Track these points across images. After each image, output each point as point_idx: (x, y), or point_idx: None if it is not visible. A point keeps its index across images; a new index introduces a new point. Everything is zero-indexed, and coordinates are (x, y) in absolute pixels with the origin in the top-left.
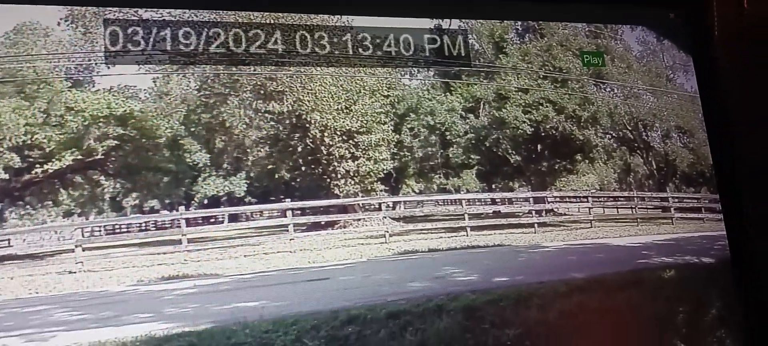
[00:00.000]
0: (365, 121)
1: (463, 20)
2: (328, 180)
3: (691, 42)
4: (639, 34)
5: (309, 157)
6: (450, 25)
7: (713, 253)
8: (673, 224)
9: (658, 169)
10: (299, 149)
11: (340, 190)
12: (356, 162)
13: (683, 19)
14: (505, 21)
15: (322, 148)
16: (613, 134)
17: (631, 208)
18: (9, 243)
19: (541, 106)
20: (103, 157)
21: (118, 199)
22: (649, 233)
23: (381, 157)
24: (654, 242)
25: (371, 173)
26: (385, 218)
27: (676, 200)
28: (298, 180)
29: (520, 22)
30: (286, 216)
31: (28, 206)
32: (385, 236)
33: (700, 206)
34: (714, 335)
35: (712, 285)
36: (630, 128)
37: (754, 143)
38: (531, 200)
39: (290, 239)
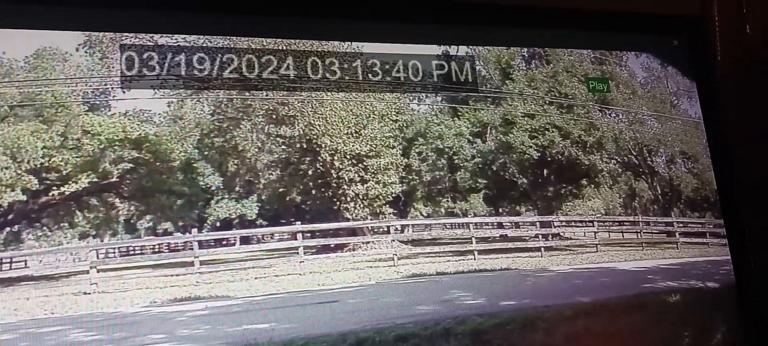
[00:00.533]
0: (374, 146)
1: (471, 47)
2: (338, 203)
3: (694, 68)
4: (643, 60)
5: (319, 181)
6: (457, 52)
7: (718, 278)
8: (678, 248)
9: (663, 194)
10: (309, 173)
11: (350, 213)
12: (365, 185)
13: (686, 46)
14: (511, 48)
15: (332, 171)
16: (618, 159)
17: (636, 232)
18: (25, 264)
19: (547, 132)
20: (118, 180)
21: (132, 221)
22: (654, 258)
23: (390, 181)
24: (659, 266)
25: (380, 197)
26: (394, 241)
27: (681, 225)
28: (309, 203)
29: (526, 49)
30: (296, 239)
31: (44, 228)
32: (393, 259)
33: (705, 230)
34: None
35: (717, 309)
36: (635, 153)
37: (756, 168)
38: (537, 224)
39: (300, 262)
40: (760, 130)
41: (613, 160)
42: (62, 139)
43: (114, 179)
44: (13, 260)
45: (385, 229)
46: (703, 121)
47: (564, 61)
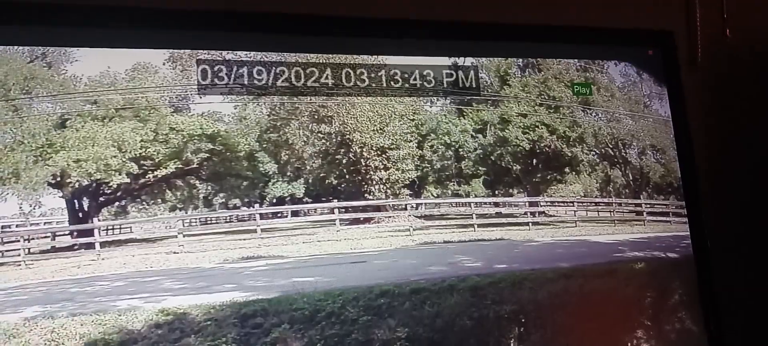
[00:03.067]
0: (395, 140)
1: (475, 58)
2: (366, 186)
3: (665, 74)
4: (622, 68)
5: (351, 168)
6: (464, 63)
7: (678, 250)
8: (645, 225)
9: (634, 180)
10: (344, 162)
11: (375, 193)
12: (387, 172)
13: (659, 55)
14: (509, 58)
15: (362, 160)
16: (597, 152)
17: (610, 211)
18: (130, 230)
19: (537, 128)
20: (197, 166)
21: (209, 198)
22: (624, 232)
23: (407, 169)
24: (628, 239)
25: (399, 181)
26: (410, 216)
27: (648, 206)
28: (343, 185)
29: (521, 60)
30: (333, 213)
31: (143, 203)
32: (409, 230)
33: (669, 210)
34: (676, 315)
35: (676, 276)
36: (611, 146)
37: (714, 160)
38: (527, 203)
39: (337, 231)
40: (721, 127)
41: (592, 152)
42: (155, 134)
43: (194, 166)
44: (122, 226)
45: (403, 206)
46: (671, 119)
47: (553, 69)
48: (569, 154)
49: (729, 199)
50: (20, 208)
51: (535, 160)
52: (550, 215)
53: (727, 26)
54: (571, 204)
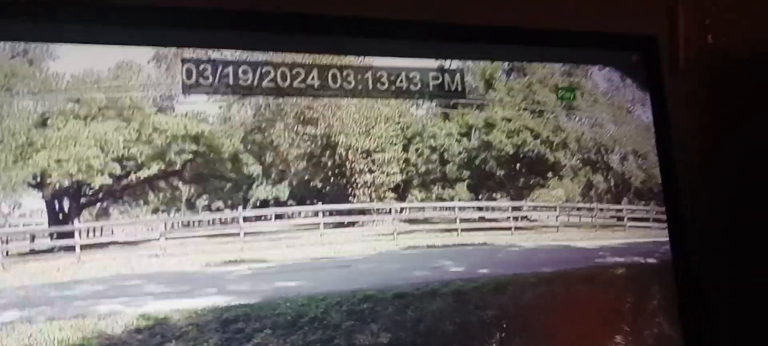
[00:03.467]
0: (380, 143)
1: (461, 61)
2: (351, 189)
3: (648, 80)
4: (606, 73)
5: (336, 170)
6: (450, 66)
7: (657, 255)
8: (626, 230)
9: (616, 185)
10: (329, 164)
11: (360, 197)
12: (372, 175)
13: (643, 61)
14: (494, 62)
15: (347, 163)
16: (580, 156)
17: (592, 217)
18: (112, 232)
19: (521, 132)
20: (180, 167)
21: (192, 200)
22: (606, 238)
23: (392, 172)
24: (609, 245)
25: (384, 184)
26: (394, 219)
27: (629, 211)
28: (328, 188)
29: (507, 63)
30: (318, 216)
31: (126, 204)
32: (393, 234)
33: (649, 216)
34: (654, 320)
35: (655, 281)
36: (594, 152)
37: (695, 166)
38: (510, 208)
39: (321, 235)
40: (703, 135)
41: (575, 157)
42: (138, 134)
43: (178, 167)
44: (104, 228)
45: (388, 210)
46: (654, 125)
47: (538, 73)
48: (552, 159)
49: (709, 204)
50: None
51: (518, 165)
52: (533, 220)
53: (709, 32)
54: (554, 209)
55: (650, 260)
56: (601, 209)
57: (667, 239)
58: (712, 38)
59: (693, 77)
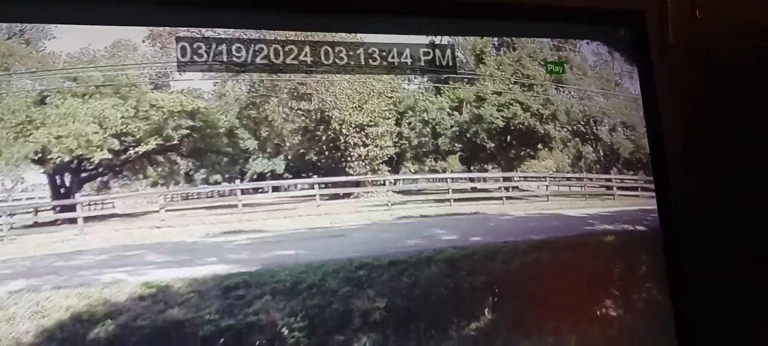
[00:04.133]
0: (373, 117)
1: (452, 37)
2: (345, 162)
3: (635, 53)
4: (594, 47)
5: (330, 144)
6: (441, 41)
7: (646, 223)
8: (615, 199)
9: (605, 156)
10: (323, 138)
11: (354, 170)
12: (366, 148)
13: (630, 35)
14: (484, 37)
15: (341, 137)
16: (569, 128)
17: (581, 186)
18: (113, 205)
19: (511, 106)
20: (178, 142)
21: (190, 173)
22: (595, 207)
23: (385, 145)
24: (598, 213)
25: (377, 157)
26: (388, 191)
27: (618, 181)
28: (323, 161)
29: (496, 38)
30: (313, 188)
31: (125, 178)
32: (387, 205)
33: (637, 185)
34: (643, 286)
35: (643, 248)
36: (583, 123)
37: (682, 137)
38: (501, 179)
39: (317, 206)
40: (689, 105)
41: (564, 129)
42: (135, 111)
43: (175, 142)
44: (105, 202)
45: (382, 182)
46: (642, 97)
47: (527, 48)
48: (542, 131)
49: (696, 175)
50: (2, 184)
51: (509, 137)
52: (524, 190)
53: (697, 7)
54: (544, 179)
55: (639, 228)
56: (591, 179)
57: (655, 207)
58: (700, 13)
59: (681, 51)
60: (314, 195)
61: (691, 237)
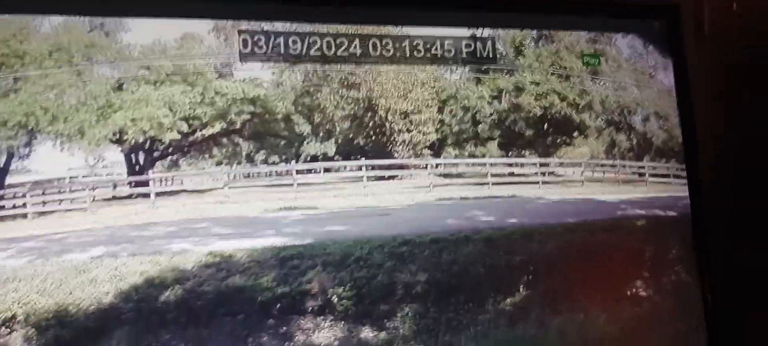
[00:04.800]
0: (417, 105)
1: (492, 30)
2: (390, 146)
3: (670, 46)
4: (629, 40)
5: (377, 130)
6: (482, 34)
7: (676, 209)
8: (647, 185)
9: (638, 144)
10: (370, 124)
11: (399, 153)
12: (410, 134)
13: (665, 28)
14: (523, 30)
15: (387, 124)
16: (604, 118)
17: (615, 173)
18: (182, 182)
19: (548, 96)
20: (240, 126)
21: (251, 155)
22: (627, 192)
23: (428, 131)
24: (630, 198)
25: (421, 142)
26: (430, 174)
27: (651, 168)
28: (370, 145)
29: (535, 31)
30: (361, 170)
31: (193, 158)
32: (430, 187)
33: (669, 173)
34: (672, 269)
35: (674, 232)
36: (617, 113)
37: (713, 128)
38: (538, 164)
39: (364, 186)
40: (721, 98)
41: (599, 118)
42: (202, 97)
43: (237, 126)
44: (174, 179)
45: (424, 165)
46: (675, 89)
47: (565, 41)
48: (578, 120)
49: (728, 164)
50: (86, 160)
51: (546, 125)
52: (559, 175)
53: None
54: (579, 165)
55: (670, 213)
56: (624, 166)
57: (687, 194)
58: (736, 5)
59: (716, 43)
60: (362, 176)
61: (721, 224)
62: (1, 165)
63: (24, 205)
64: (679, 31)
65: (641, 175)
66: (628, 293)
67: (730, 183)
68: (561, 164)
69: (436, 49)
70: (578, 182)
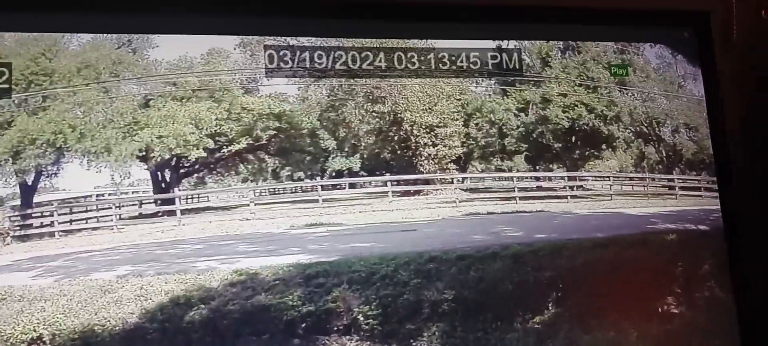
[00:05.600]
0: (443, 118)
1: (518, 41)
2: (416, 161)
3: (700, 55)
4: (657, 50)
5: (402, 144)
6: (508, 45)
7: (708, 222)
8: (677, 199)
9: (667, 157)
10: (396, 138)
11: (424, 168)
12: (436, 148)
13: (694, 36)
14: (550, 41)
15: (412, 137)
16: (632, 129)
17: (644, 186)
18: (208, 199)
19: (576, 107)
20: (266, 142)
21: (277, 170)
22: (657, 206)
23: (454, 145)
24: (660, 212)
25: (446, 156)
26: (456, 189)
27: (681, 181)
28: (395, 160)
29: (562, 43)
30: (387, 186)
31: (219, 174)
32: (456, 202)
33: (700, 186)
34: (705, 285)
35: (706, 247)
36: (646, 125)
37: (745, 139)
38: (566, 178)
39: (390, 202)
40: (751, 108)
41: (628, 130)
42: (228, 113)
43: (263, 142)
44: (200, 196)
45: (450, 180)
46: (705, 99)
47: (592, 51)
48: (606, 132)
49: (760, 175)
50: (112, 178)
51: (573, 138)
52: (588, 189)
53: (763, 7)
54: (607, 179)
55: (701, 227)
56: (653, 179)
57: (718, 206)
58: (766, 13)
59: (746, 52)
60: (387, 192)
61: (755, 238)
62: (30, 183)
63: (51, 223)
64: (709, 39)
65: (671, 188)
66: (660, 309)
67: (764, 195)
68: (589, 178)
69: (461, 61)
70: (607, 196)
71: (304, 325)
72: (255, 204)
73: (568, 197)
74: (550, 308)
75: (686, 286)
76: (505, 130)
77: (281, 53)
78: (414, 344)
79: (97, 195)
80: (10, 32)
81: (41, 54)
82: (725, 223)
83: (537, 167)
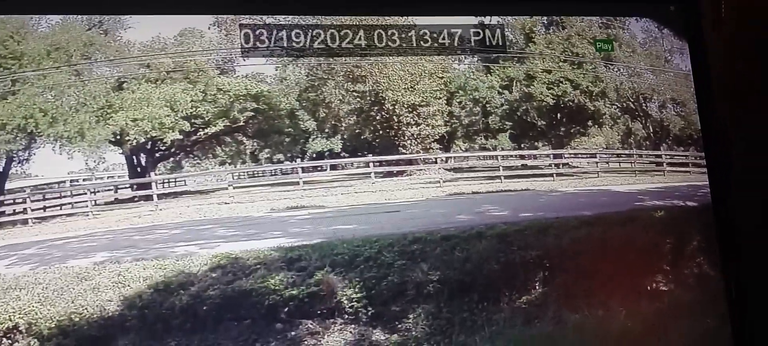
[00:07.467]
0: (425, 97)
1: (501, 17)
2: (398, 141)
3: (686, 29)
4: (643, 24)
5: (384, 124)
6: (490, 21)
7: (696, 198)
8: (665, 175)
9: (655, 132)
10: (377, 118)
11: (407, 148)
12: (418, 127)
13: (681, 11)
14: (533, 16)
15: (394, 117)
16: (619, 105)
17: (631, 162)
18: (185, 183)
19: (561, 84)
20: (244, 124)
21: (255, 153)
22: (645, 182)
23: (437, 124)
24: (648, 189)
25: (429, 136)
26: (440, 168)
27: (668, 157)
28: (377, 140)
29: (546, 18)
30: (369, 166)
31: (196, 158)
32: (439, 182)
33: (688, 161)
34: (694, 261)
35: (694, 223)
36: (632, 100)
37: (733, 112)
38: (551, 156)
39: (372, 183)
40: (739, 81)
41: (614, 106)
42: (204, 94)
43: (241, 123)
44: (177, 180)
45: (434, 160)
46: (692, 73)
47: (576, 26)
48: (592, 109)
49: (748, 150)
50: (86, 164)
51: (559, 115)
52: (574, 167)
53: None
54: (594, 156)
55: (690, 203)
56: (640, 155)
57: (707, 182)
58: None
59: (734, 26)
60: (369, 173)
61: (743, 212)
62: (1, 169)
63: (24, 210)
64: (697, 13)
65: (659, 164)
66: (649, 287)
67: (752, 170)
68: (575, 155)
69: (443, 38)
70: (593, 173)
71: (286, 309)
72: (234, 187)
73: (554, 175)
74: (537, 287)
75: (675, 263)
76: (489, 109)
77: (257, 32)
78: (399, 326)
79: (71, 181)
80: None
81: (9, 37)
82: (713, 198)
83: (522, 145)
